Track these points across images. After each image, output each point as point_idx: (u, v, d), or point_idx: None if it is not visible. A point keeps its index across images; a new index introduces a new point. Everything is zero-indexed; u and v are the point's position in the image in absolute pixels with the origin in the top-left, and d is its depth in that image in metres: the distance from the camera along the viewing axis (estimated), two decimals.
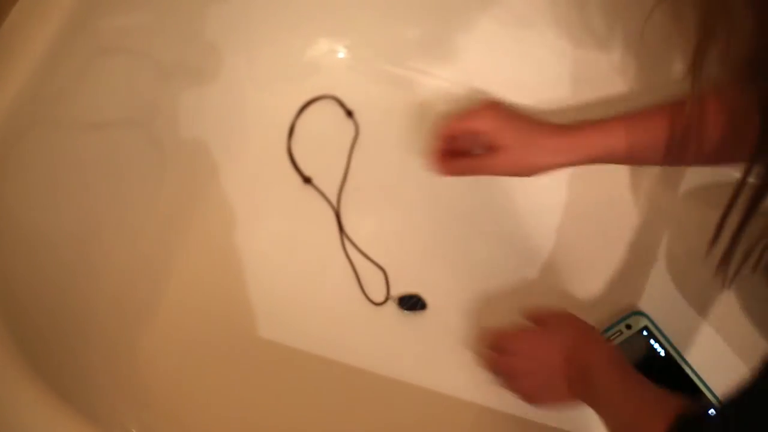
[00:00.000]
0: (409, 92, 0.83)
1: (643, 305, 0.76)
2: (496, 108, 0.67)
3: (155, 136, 0.77)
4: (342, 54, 0.84)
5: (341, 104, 0.82)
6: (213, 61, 0.80)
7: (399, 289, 0.77)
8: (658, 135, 0.62)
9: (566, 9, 0.76)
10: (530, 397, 0.67)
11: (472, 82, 0.83)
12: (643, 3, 0.63)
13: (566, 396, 0.64)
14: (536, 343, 0.67)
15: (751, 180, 0.49)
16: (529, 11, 0.78)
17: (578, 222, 0.80)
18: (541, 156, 0.65)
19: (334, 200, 0.80)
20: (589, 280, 0.78)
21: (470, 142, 0.69)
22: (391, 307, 0.76)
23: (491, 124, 0.66)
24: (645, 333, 0.74)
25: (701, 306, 0.76)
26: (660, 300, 0.76)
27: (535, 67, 0.80)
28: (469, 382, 0.73)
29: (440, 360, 0.74)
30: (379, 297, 0.77)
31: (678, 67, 0.75)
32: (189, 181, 0.79)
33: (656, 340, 0.73)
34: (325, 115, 0.82)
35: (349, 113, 0.82)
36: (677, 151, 0.62)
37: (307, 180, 0.80)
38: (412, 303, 0.76)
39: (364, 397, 0.74)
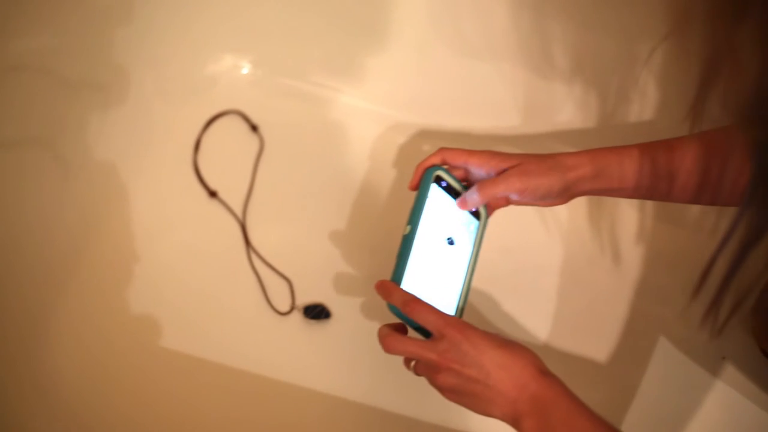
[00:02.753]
0: (313, 107, 0.86)
1: None
2: (485, 153, 0.67)
3: (60, 154, 0.78)
4: (246, 70, 0.86)
5: (246, 119, 0.84)
6: (120, 79, 0.81)
7: (304, 299, 0.79)
8: (661, 166, 0.64)
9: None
10: (450, 395, 0.60)
11: (377, 99, 0.86)
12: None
13: (488, 414, 0.58)
14: (491, 352, 0.57)
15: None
16: (432, 35, 0.82)
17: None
18: (562, 171, 0.64)
19: (240, 213, 0.81)
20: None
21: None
22: (297, 316, 0.79)
23: (494, 164, 0.66)
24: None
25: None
26: None
27: (437, 89, 0.84)
28: (372, 388, 0.77)
29: (344, 366, 0.78)
30: (285, 307, 0.79)
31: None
32: (96, 196, 0.80)
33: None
34: (230, 130, 0.84)
35: (254, 128, 0.84)
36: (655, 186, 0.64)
37: (213, 194, 0.82)
38: (316, 312, 0.79)
39: (270, 405, 0.76)
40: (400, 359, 0.62)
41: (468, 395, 0.57)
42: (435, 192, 0.67)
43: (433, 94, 0.85)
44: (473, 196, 0.66)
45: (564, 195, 0.66)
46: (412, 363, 0.61)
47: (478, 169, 0.68)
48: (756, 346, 0.76)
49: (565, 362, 0.78)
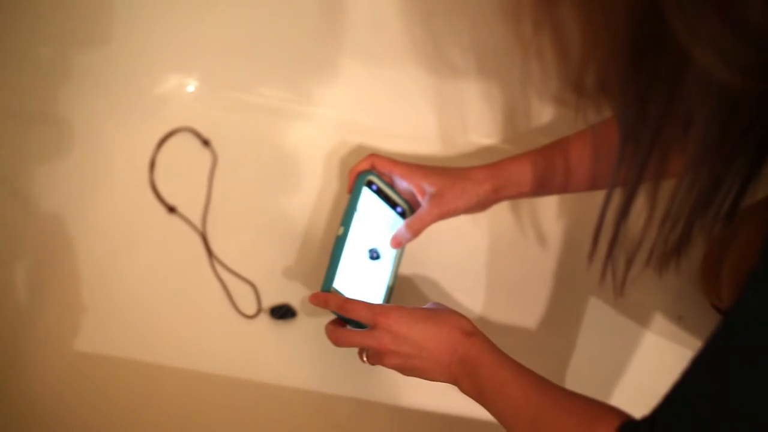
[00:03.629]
0: (261, 117, 0.89)
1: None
2: (408, 164, 0.75)
3: (17, 188, 0.81)
4: (192, 87, 0.89)
5: (197, 135, 0.87)
6: (72, 110, 0.85)
7: (270, 301, 0.83)
8: (557, 165, 0.72)
9: (422, 43, 0.83)
10: (402, 372, 0.66)
11: (321, 105, 0.90)
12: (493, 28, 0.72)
13: (436, 380, 0.64)
14: (417, 327, 0.63)
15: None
16: (377, 45, 0.86)
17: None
18: (473, 187, 0.73)
19: (199, 225, 0.85)
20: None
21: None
22: (264, 318, 0.83)
23: (416, 180, 0.74)
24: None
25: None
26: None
27: (400, 99, 0.89)
28: (344, 378, 0.81)
29: (315, 360, 0.82)
30: (252, 310, 0.83)
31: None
32: (57, 225, 0.82)
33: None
34: (183, 146, 0.87)
35: (206, 142, 0.87)
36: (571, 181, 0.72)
37: (171, 209, 0.85)
38: (282, 312, 0.83)
39: (248, 405, 0.80)
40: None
41: (414, 369, 0.64)
42: (366, 195, 0.74)
43: (362, 98, 0.89)
44: (404, 235, 0.75)
45: (479, 207, 0.76)
46: (363, 356, 0.67)
47: (401, 179, 0.76)
48: (708, 303, 0.82)
49: (503, 334, 0.82)
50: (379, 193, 0.76)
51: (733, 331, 0.43)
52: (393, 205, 0.78)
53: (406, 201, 0.78)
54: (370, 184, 0.75)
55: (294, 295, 0.83)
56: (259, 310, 0.83)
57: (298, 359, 0.82)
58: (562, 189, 0.75)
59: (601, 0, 0.37)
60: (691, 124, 0.42)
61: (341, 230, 0.72)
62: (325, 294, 0.68)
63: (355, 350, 0.68)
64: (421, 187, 0.75)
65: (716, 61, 0.35)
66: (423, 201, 0.75)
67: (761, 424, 0.40)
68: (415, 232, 0.75)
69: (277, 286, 0.84)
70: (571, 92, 0.44)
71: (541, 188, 0.75)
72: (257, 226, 0.86)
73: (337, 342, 0.66)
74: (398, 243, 0.75)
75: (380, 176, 0.76)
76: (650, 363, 0.82)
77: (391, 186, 0.77)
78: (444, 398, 0.79)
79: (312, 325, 0.83)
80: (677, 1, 0.34)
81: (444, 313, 0.64)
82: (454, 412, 0.80)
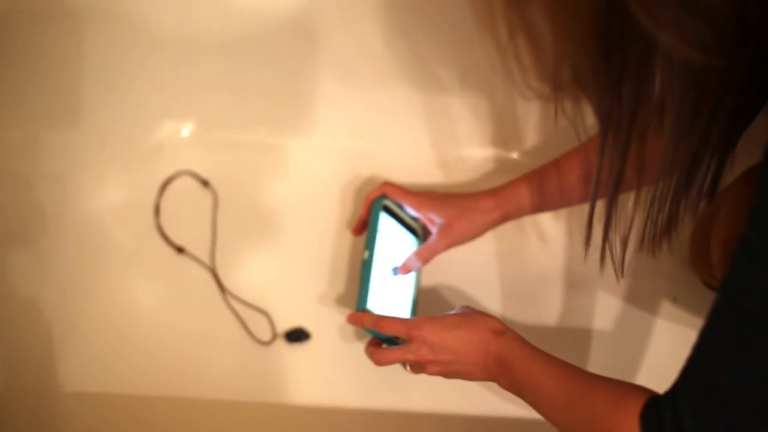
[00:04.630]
0: (256, 153, 0.93)
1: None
2: (418, 195, 0.80)
3: (34, 246, 0.85)
4: (187, 131, 0.93)
5: (196, 176, 0.91)
6: (74, 167, 0.89)
7: (284, 326, 0.87)
8: (555, 187, 0.76)
9: (407, 62, 0.88)
10: (445, 377, 0.69)
11: (317, 138, 0.94)
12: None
13: (478, 380, 0.68)
14: (451, 335, 0.66)
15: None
16: (364, 69, 0.90)
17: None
18: (481, 216, 0.78)
19: (209, 262, 0.89)
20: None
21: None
22: (280, 343, 0.86)
23: (425, 211, 0.80)
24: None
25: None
26: None
27: (391, 121, 0.93)
28: (361, 391, 0.84)
29: (333, 378, 0.85)
30: (267, 336, 0.86)
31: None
32: (73, 273, 0.86)
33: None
34: (184, 189, 0.91)
35: (205, 183, 0.91)
36: (577, 194, 0.76)
37: (180, 250, 0.89)
38: (297, 335, 0.86)
39: (274, 427, 0.84)
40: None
41: (455, 373, 0.68)
42: (384, 219, 0.79)
43: (354, 122, 0.93)
44: (414, 263, 0.80)
45: (485, 232, 0.80)
46: (407, 367, 0.71)
47: (411, 209, 0.81)
48: (700, 282, 0.85)
49: (523, 332, 0.86)
50: (395, 216, 0.82)
51: (732, 298, 0.45)
52: (407, 226, 0.84)
53: (418, 222, 0.85)
54: (385, 209, 0.80)
55: (306, 318, 0.87)
56: (275, 336, 0.87)
57: (316, 378, 0.85)
58: (560, 206, 0.80)
59: None
60: (665, 105, 0.45)
61: (366, 254, 0.76)
62: (361, 314, 0.72)
63: (371, 366, 0.71)
64: (430, 218, 0.80)
65: (680, 42, 0.38)
66: (432, 230, 0.80)
67: None
68: (425, 260, 0.80)
69: (289, 311, 0.87)
70: (549, 88, 0.47)
71: (541, 208, 0.80)
72: (264, 256, 0.90)
73: (379, 362, 0.70)
74: (408, 270, 0.80)
75: (393, 200, 0.81)
76: (657, 345, 0.85)
77: (403, 209, 0.83)
78: (456, 400, 0.83)
79: (326, 344, 0.86)
80: None
81: (473, 317, 0.68)
82: (463, 412, 0.83)
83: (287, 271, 0.89)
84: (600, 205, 0.57)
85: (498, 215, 0.78)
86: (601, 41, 0.41)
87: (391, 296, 0.78)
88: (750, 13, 0.38)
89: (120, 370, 0.84)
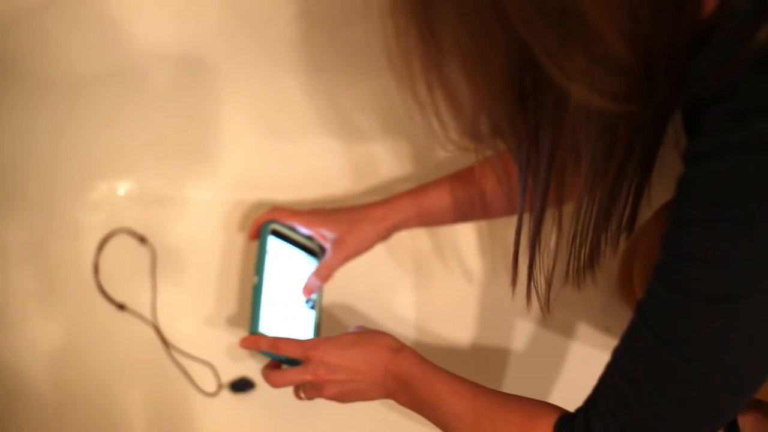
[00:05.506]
0: (191, 207, 0.95)
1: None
2: (306, 213, 0.81)
3: None
4: (122, 190, 0.94)
5: (133, 234, 0.92)
6: (11, 232, 0.89)
7: (228, 376, 0.88)
8: (446, 200, 0.78)
9: (327, 113, 0.90)
10: (341, 400, 0.70)
11: (243, 190, 0.96)
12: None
13: (376, 398, 0.69)
14: (347, 353, 0.68)
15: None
16: (286, 122, 0.93)
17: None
18: (371, 227, 0.79)
19: (150, 317, 0.90)
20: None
21: None
22: (225, 393, 0.88)
23: (315, 228, 0.81)
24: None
25: None
26: None
27: (280, 169, 0.96)
28: None
29: (277, 427, 0.87)
30: (213, 388, 0.88)
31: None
32: (10, 333, 0.87)
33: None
34: (122, 246, 0.92)
35: (142, 239, 0.92)
36: (465, 210, 0.78)
37: (121, 307, 0.90)
38: (242, 385, 0.88)
39: None
40: (321, 404, 0.72)
41: (352, 393, 0.69)
42: (273, 243, 0.80)
43: (280, 173, 0.95)
44: (315, 283, 0.81)
45: (380, 242, 0.81)
46: (301, 393, 0.72)
47: (302, 228, 0.82)
48: (631, 311, 0.88)
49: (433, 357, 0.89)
50: (287, 239, 0.82)
51: (644, 318, 0.49)
52: (303, 247, 0.84)
53: (314, 242, 0.85)
54: (275, 233, 0.81)
55: (250, 367, 0.89)
56: (220, 387, 0.88)
57: (266, 426, 0.87)
58: (452, 221, 0.82)
59: (481, 57, 0.41)
60: (580, 150, 0.47)
61: (256, 279, 0.78)
62: (255, 337, 0.73)
63: (317, 412, 0.72)
64: (322, 235, 0.81)
65: (590, 92, 0.40)
66: (326, 246, 0.81)
67: (682, 379, 0.46)
68: (323, 278, 0.81)
69: (233, 361, 0.89)
70: (469, 140, 0.48)
71: (429, 221, 0.81)
72: (205, 308, 0.92)
73: (275, 383, 0.71)
74: (310, 291, 0.81)
75: (282, 223, 0.82)
76: (584, 371, 0.88)
77: (296, 230, 0.83)
78: None
79: (271, 393, 0.86)
80: (546, 49, 0.38)
81: (370, 335, 0.70)
82: None
83: (229, 322, 0.91)
84: (524, 239, 0.59)
85: (389, 224, 0.79)
86: (515, 94, 0.42)
87: (289, 319, 0.79)
88: (654, 60, 0.40)
89: (66, 430, 0.85)
